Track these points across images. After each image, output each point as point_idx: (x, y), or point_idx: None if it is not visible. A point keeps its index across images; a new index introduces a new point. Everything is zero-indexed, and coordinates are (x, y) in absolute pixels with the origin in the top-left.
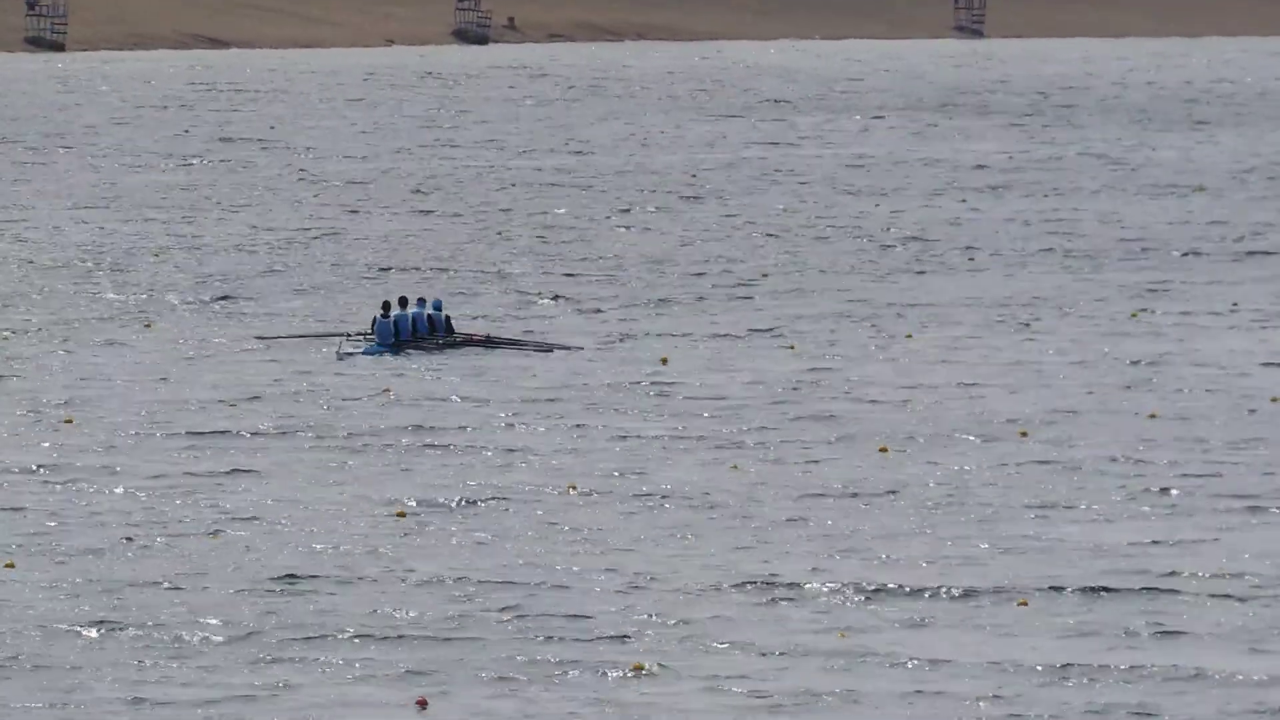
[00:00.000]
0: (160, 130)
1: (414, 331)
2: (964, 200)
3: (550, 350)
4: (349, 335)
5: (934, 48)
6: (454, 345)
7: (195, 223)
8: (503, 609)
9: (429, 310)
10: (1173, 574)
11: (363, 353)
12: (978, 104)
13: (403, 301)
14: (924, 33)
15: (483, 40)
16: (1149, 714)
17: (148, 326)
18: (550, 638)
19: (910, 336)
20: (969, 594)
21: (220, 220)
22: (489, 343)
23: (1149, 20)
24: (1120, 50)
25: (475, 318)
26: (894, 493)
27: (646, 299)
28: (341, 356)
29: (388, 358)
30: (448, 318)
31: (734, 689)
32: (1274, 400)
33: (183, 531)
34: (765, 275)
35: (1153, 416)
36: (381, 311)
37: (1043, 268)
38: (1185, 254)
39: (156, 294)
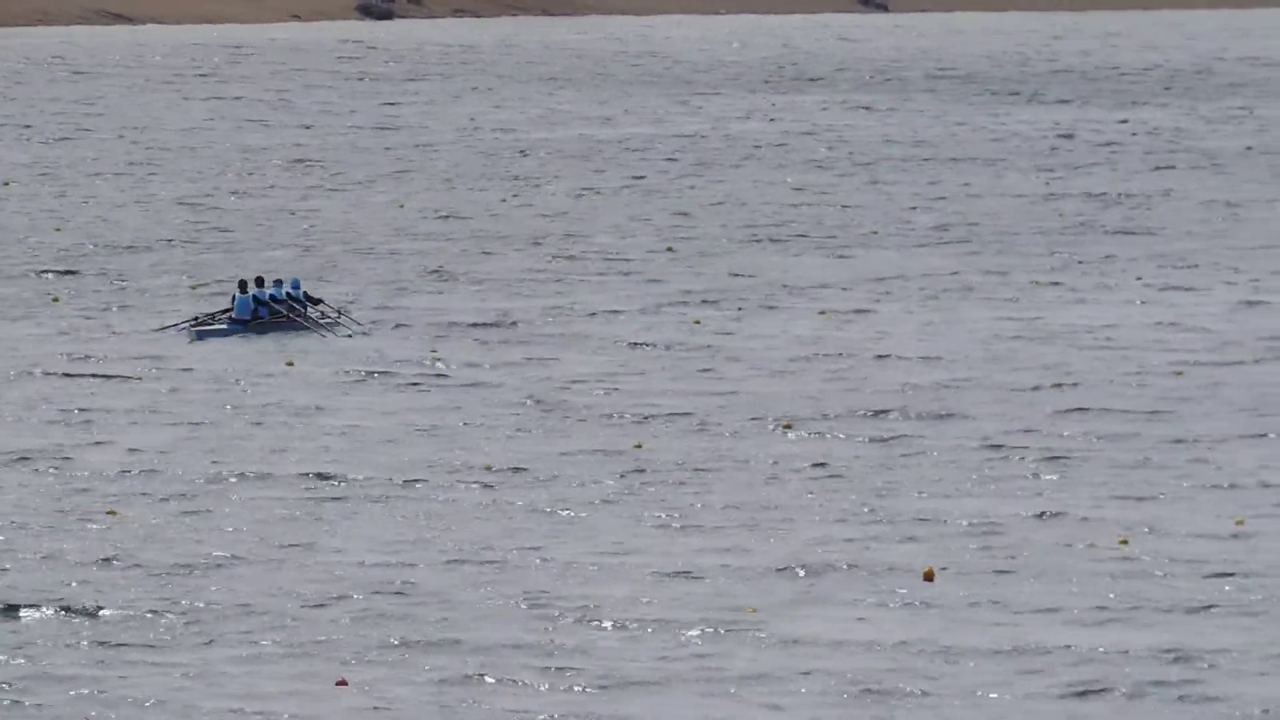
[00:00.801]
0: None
1: (273, 309)
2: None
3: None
4: (199, 317)
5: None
6: (311, 322)
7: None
8: (424, 591)
9: (287, 288)
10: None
11: (222, 330)
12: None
13: (259, 281)
14: (828, 7)
15: (386, 15)
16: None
17: None
18: (475, 617)
19: (823, 314)
20: (871, 570)
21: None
22: (338, 320)
23: None
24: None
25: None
26: (797, 470)
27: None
28: (195, 338)
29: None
30: (305, 294)
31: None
32: (1177, 374)
33: (89, 513)
34: (664, 251)
35: (1057, 386)
36: (239, 289)
37: (937, 245)
38: (1077, 229)
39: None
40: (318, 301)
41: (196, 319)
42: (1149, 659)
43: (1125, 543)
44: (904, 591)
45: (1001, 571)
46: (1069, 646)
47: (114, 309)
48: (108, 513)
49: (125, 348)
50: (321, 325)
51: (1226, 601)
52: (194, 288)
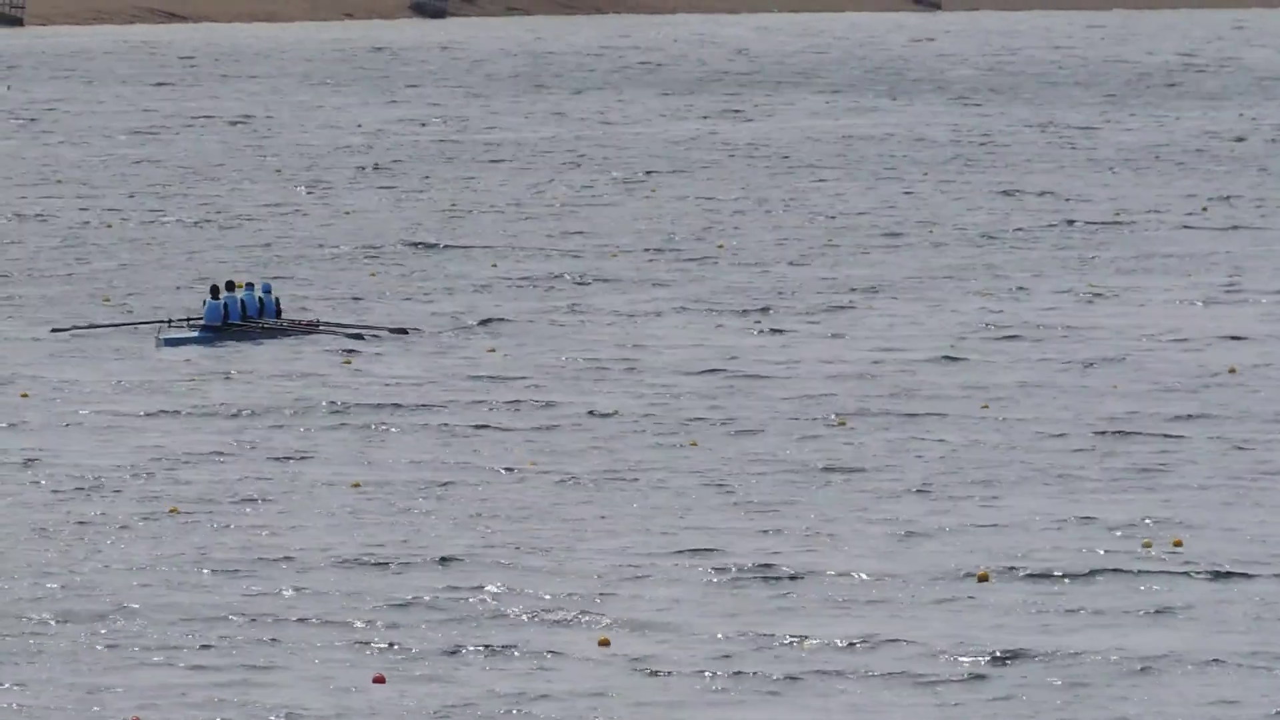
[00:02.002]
0: None
1: (244, 315)
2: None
3: (387, 333)
4: (170, 321)
5: (890, 20)
6: (283, 330)
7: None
8: (450, 587)
9: (259, 293)
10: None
11: (191, 338)
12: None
13: (230, 285)
14: (879, 5)
15: (440, 14)
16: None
17: None
18: (498, 615)
19: (854, 306)
20: (924, 572)
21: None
22: (317, 328)
23: None
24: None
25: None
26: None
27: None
28: (162, 344)
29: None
30: (277, 300)
31: (682, 670)
32: (1231, 371)
33: (107, 516)
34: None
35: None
36: (210, 294)
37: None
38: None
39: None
40: (281, 317)
41: (169, 322)
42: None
43: (1179, 544)
44: (956, 592)
45: (1055, 575)
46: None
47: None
48: (170, 511)
49: (86, 346)
50: (297, 331)
51: None
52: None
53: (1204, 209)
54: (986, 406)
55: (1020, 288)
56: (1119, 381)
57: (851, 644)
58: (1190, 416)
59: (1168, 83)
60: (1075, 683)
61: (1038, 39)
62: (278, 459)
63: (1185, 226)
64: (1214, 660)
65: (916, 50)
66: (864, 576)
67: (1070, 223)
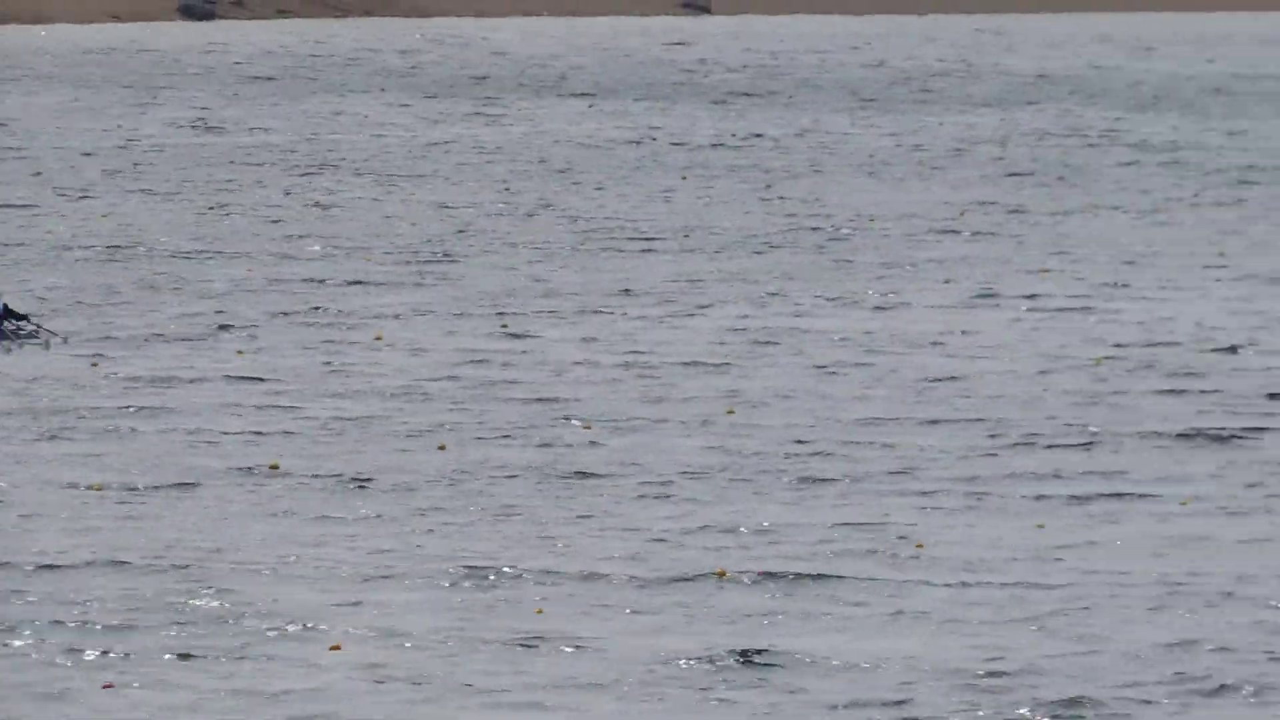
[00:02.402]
0: None
1: None
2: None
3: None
4: None
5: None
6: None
7: None
8: (185, 591)
9: None
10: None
11: None
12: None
13: None
14: (648, 8)
15: (208, 16)
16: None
17: None
18: (231, 618)
19: (627, 311)
20: (664, 573)
21: None
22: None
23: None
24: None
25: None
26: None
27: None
28: None
29: None
30: (6, 306)
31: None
32: (978, 377)
33: None
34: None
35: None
36: None
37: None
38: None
39: None
40: (22, 317)
41: None
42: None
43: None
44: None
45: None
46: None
47: None
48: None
49: None
50: (19, 338)
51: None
52: None
53: (961, 214)
54: (732, 411)
55: (773, 293)
56: (869, 386)
57: (583, 647)
58: (936, 422)
59: (924, 88)
60: (800, 687)
61: (803, 44)
62: (15, 461)
63: (943, 231)
64: (948, 662)
65: (679, 54)
66: (607, 578)
67: (827, 228)
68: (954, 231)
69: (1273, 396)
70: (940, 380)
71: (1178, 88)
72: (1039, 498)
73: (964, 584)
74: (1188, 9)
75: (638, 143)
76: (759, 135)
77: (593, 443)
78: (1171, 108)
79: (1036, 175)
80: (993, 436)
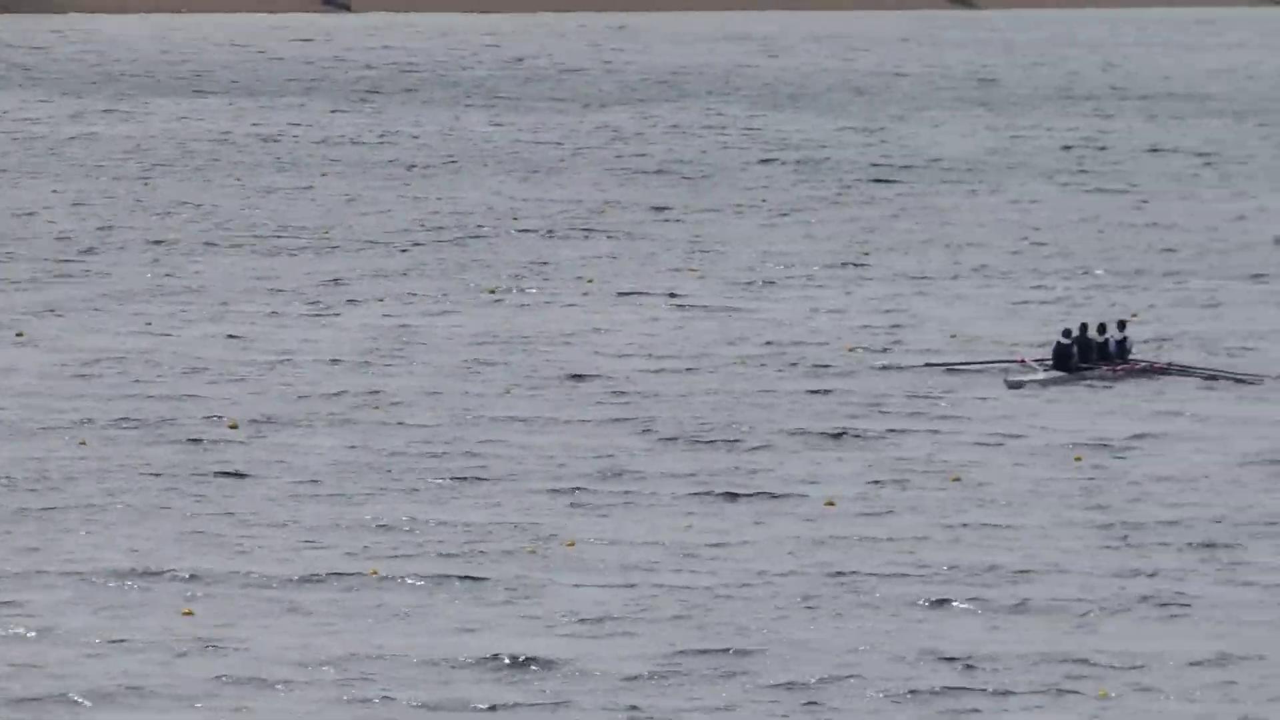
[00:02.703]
0: None
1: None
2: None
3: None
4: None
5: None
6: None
7: None
8: None
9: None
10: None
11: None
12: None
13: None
14: (290, 6)
15: None
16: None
17: None
18: None
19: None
20: (316, 573)
21: None
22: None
23: None
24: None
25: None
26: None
27: None
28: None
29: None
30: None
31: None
32: (740, 360)
33: None
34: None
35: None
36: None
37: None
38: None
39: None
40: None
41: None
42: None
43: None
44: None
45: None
46: None
47: None
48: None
49: None
50: None
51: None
52: None
53: (602, 211)
54: (378, 408)
55: (414, 292)
56: (514, 384)
57: (233, 647)
58: (584, 421)
59: (560, 85)
60: (442, 680)
61: (442, 42)
62: None
63: (585, 229)
64: (601, 662)
65: (316, 51)
66: (257, 577)
67: (469, 226)
68: (595, 230)
69: (912, 396)
70: (585, 378)
71: (813, 86)
72: (687, 495)
73: (614, 585)
74: (826, 7)
75: (277, 140)
76: (397, 133)
77: (239, 441)
78: (809, 106)
79: (677, 173)
80: (640, 434)
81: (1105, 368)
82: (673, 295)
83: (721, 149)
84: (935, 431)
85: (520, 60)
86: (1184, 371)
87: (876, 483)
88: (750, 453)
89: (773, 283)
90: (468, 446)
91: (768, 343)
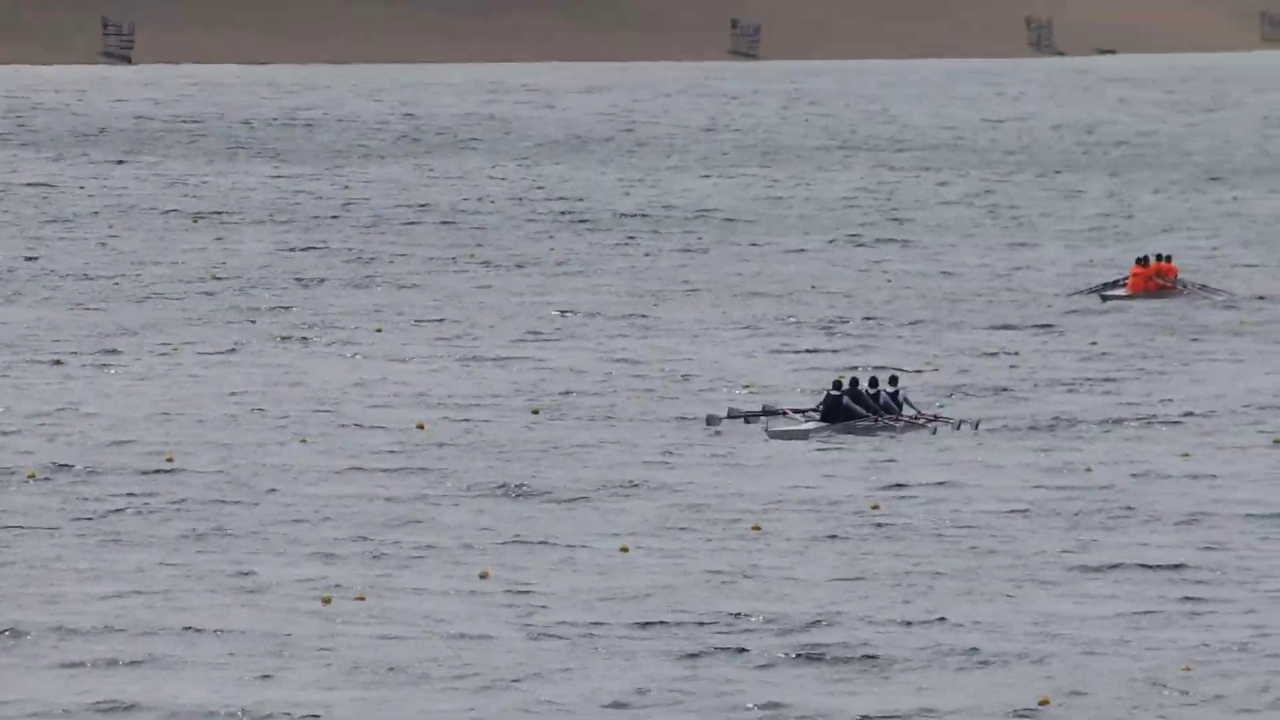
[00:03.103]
0: None
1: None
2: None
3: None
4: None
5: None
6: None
7: None
8: None
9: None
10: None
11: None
12: None
13: (854, 380)
14: (73, 58)
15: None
16: None
17: None
18: None
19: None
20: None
21: None
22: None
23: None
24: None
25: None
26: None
27: None
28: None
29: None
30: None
31: None
32: (419, 427)
33: None
34: None
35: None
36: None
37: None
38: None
39: None
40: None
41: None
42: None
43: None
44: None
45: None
46: None
47: None
48: None
49: None
50: None
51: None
52: None
53: (390, 261)
54: (171, 459)
55: (199, 342)
56: (308, 431)
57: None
58: (388, 471)
59: (339, 135)
60: None
61: (223, 94)
62: None
63: (370, 281)
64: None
65: (91, 103)
66: (46, 627)
67: (254, 277)
68: (381, 280)
69: (699, 445)
70: (376, 427)
71: (595, 136)
72: (485, 545)
73: (409, 637)
74: (608, 58)
75: (58, 191)
76: (181, 184)
77: (38, 493)
78: (590, 158)
79: (462, 224)
80: (434, 484)
81: (876, 420)
82: (462, 345)
83: (505, 200)
84: (726, 480)
85: (299, 111)
86: (960, 424)
87: (672, 529)
88: (545, 502)
89: (562, 332)
90: (257, 497)
91: (562, 393)
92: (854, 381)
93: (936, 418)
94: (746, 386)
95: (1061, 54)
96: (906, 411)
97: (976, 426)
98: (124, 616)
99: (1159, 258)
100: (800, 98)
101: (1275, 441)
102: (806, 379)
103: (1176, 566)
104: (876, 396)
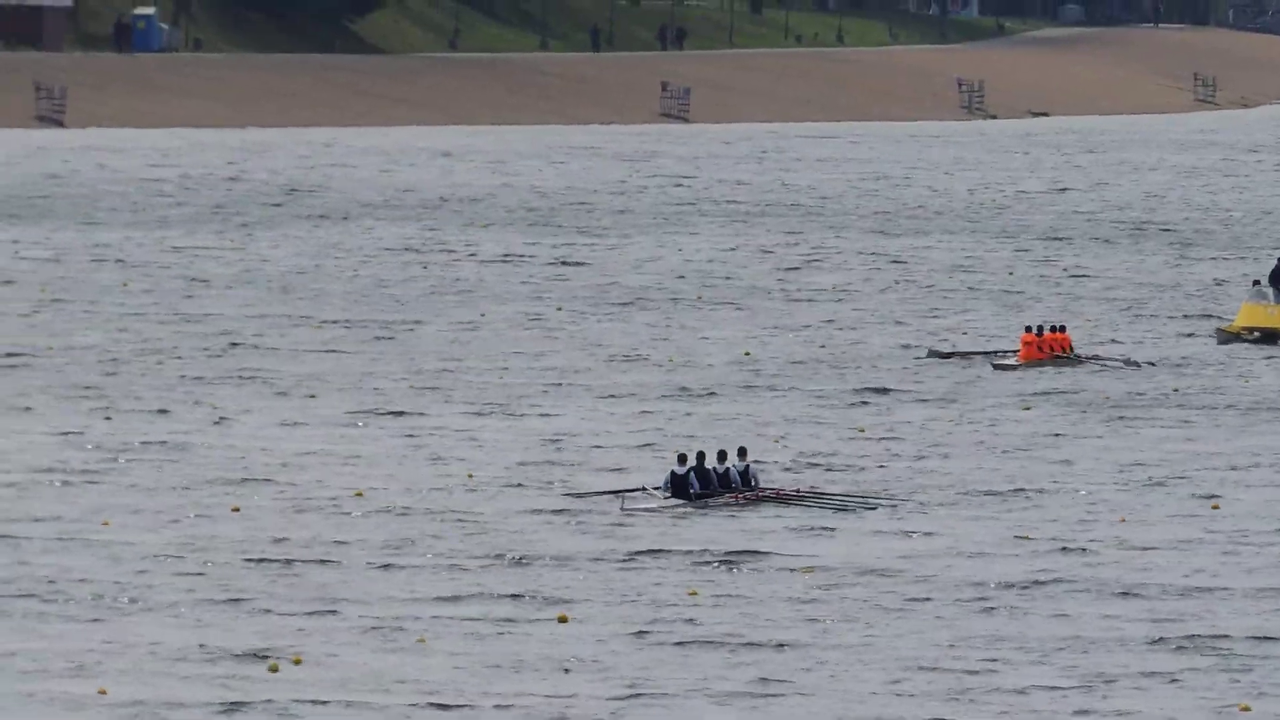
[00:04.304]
0: None
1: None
2: None
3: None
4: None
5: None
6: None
7: None
8: None
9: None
10: None
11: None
12: None
13: (700, 456)
14: (11, 121)
15: None
16: None
17: None
18: None
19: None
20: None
21: None
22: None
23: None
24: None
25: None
26: None
27: None
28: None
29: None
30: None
31: None
32: (358, 494)
33: None
34: None
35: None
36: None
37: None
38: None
39: None
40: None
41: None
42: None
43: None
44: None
45: None
46: None
47: None
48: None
49: None
50: None
51: None
52: None
53: (318, 327)
54: (107, 523)
55: (134, 410)
56: (239, 501)
57: None
58: (301, 542)
59: (287, 197)
60: None
61: (164, 158)
62: None
63: (309, 347)
64: None
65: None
66: None
67: (194, 344)
68: (309, 350)
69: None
70: (318, 497)
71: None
72: (422, 617)
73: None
74: (541, 121)
75: None
76: (102, 249)
77: None
78: (516, 224)
79: (388, 296)
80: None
81: (729, 496)
82: (406, 416)
83: (438, 266)
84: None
85: (238, 175)
86: (818, 498)
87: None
88: (470, 573)
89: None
90: (189, 567)
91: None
92: (700, 456)
93: (799, 492)
94: (621, 470)
95: (993, 117)
96: (763, 485)
97: (844, 508)
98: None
99: (1052, 328)
100: (724, 158)
101: (1207, 508)
102: (655, 450)
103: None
104: (727, 472)
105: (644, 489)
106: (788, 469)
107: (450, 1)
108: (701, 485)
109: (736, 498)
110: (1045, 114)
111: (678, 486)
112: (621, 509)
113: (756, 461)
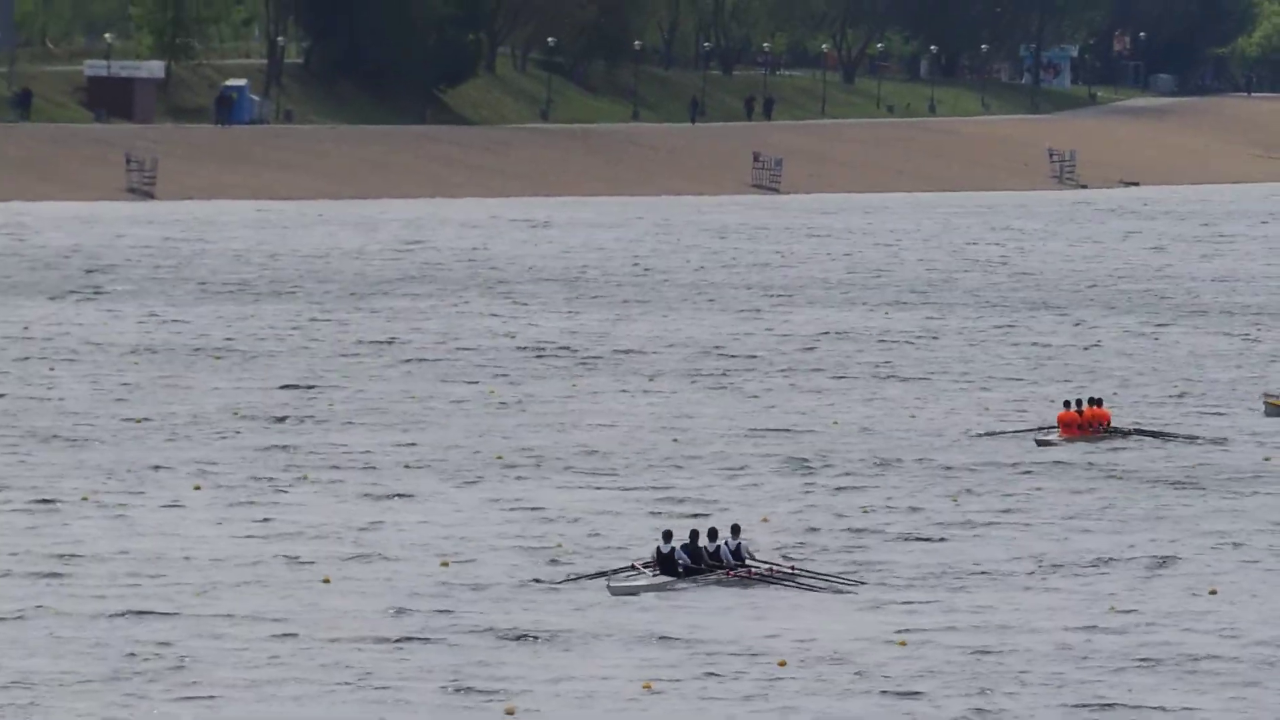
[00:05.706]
0: None
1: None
2: None
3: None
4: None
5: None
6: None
7: None
8: None
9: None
10: None
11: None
12: None
13: (693, 534)
14: (94, 195)
15: None
16: None
17: None
18: None
19: None
20: None
21: None
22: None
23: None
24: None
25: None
26: None
27: None
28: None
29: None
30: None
31: None
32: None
33: None
34: None
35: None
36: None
37: None
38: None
39: None
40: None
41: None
42: None
43: None
44: None
45: None
46: None
47: None
48: None
49: None
50: None
51: None
52: None
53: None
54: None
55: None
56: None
57: None
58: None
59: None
60: None
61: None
62: None
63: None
64: None
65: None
66: None
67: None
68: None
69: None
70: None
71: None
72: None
73: None
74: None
75: None
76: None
77: None
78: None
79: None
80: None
81: (721, 574)
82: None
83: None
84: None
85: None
86: (811, 577)
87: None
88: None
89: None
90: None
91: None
92: (693, 535)
93: (795, 570)
94: (610, 548)
95: (1084, 186)
96: (755, 562)
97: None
98: None
99: (1091, 401)
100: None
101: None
102: (649, 527)
103: None
104: (718, 550)
105: (634, 566)
106: (800, 545)
107: (541, 71)
108: (692, 562)
109: (729, 573)
110: (1136, 184)
111: (665, 563)
112: (609, 588)
113: (749, 539)
